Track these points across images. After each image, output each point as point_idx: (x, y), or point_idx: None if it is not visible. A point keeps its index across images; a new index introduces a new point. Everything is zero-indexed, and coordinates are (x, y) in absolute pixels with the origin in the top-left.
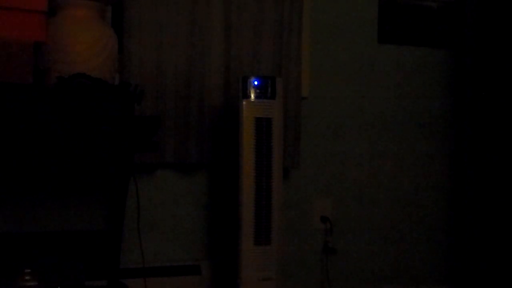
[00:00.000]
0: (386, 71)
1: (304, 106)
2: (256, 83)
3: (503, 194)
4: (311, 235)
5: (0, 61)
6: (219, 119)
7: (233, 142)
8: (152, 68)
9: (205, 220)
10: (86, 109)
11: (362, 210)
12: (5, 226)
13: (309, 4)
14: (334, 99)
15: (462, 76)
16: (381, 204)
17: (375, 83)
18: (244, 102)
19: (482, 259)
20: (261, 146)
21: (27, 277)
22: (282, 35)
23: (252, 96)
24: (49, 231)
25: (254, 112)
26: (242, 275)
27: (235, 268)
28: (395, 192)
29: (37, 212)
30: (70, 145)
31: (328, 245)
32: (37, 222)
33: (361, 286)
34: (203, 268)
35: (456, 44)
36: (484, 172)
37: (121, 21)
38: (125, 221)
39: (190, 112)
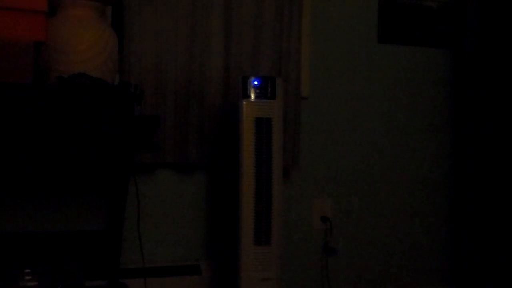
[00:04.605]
0: (386, 71)
1: (304, 106)
2: (256, 83)
3: (503, 194)
4: (311, 235)
5: (0, 61)
6: (219, 119)
7: (233, 142)
8: (152, 68)
9: (205, 220)
10: (86, 109)
11: (362, 210)
12: (5, 226)
13: (309, 4)
14: (334, 99)
15: (462, 76)
16: (381, 204)
17: (375, 83)
18: (244, 102)
19: (483, 259)
20: (261, 146)
21: (27, 277)
22: (282, 35)
23: (252, 96)
24: (49, 231)
25: (254, 112)
26: (242, 275)
27: (235, 268)
28: (395, 192)
29: (37, 212)
30: (70, 145)
31: (328, 245)
32: (37, 222)
33: (361, 286)
34: (203, 268)
35: (456, 44)
36: (484, 172)
37: (121, 21)
38: (125, 221)
39: (190, 112)
